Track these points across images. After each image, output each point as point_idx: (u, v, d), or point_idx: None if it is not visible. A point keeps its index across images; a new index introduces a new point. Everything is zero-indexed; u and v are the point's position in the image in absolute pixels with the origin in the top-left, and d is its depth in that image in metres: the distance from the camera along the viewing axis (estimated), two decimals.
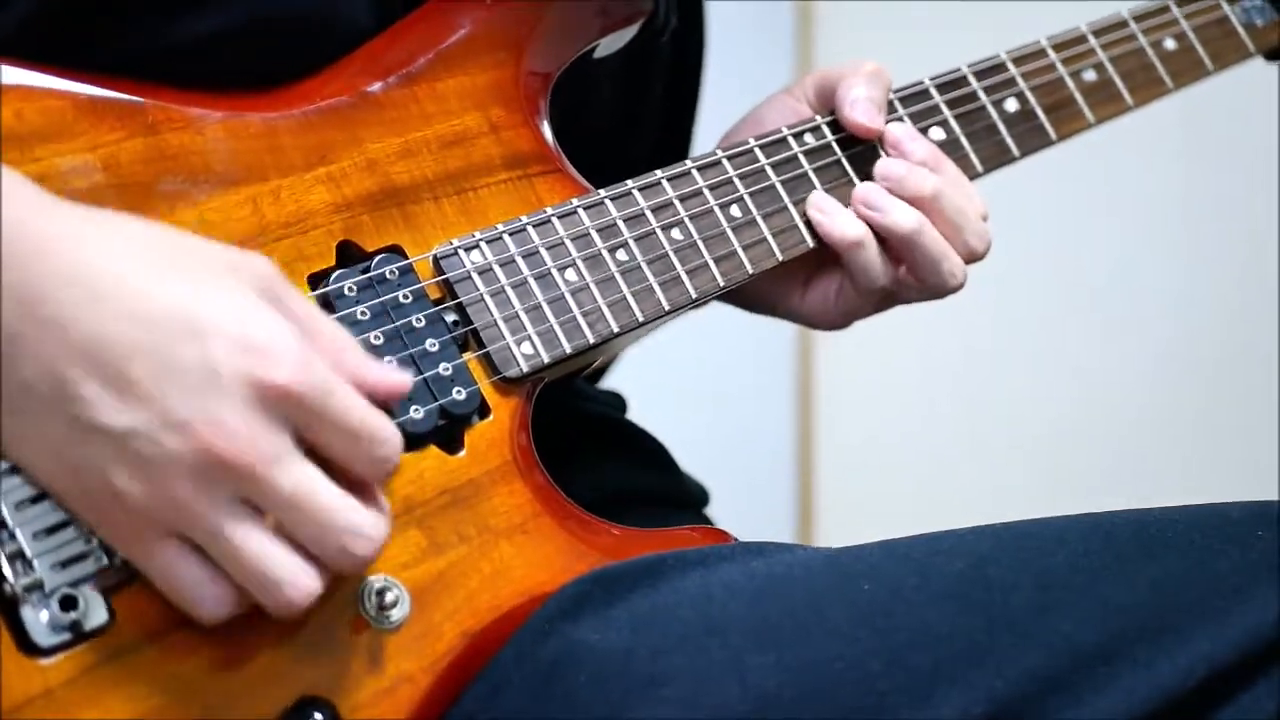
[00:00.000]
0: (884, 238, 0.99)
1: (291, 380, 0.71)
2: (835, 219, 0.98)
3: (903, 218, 0.98)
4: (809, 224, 0.99)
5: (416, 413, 0.83)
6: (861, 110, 1.00)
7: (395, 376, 0.76)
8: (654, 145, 1.12)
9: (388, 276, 0.85)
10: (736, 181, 0.97)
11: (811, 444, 2.29)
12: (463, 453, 0.84)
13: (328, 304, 0.84)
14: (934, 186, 0.99)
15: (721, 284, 0.95)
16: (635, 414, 1.16)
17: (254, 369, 0.71)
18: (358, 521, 0.73)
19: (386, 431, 0.74)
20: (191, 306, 0.71)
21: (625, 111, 1.10)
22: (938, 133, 1.04)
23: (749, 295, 1.07)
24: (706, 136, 1.12)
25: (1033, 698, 0.71)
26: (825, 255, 1.01)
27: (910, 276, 1.00)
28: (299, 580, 0.72)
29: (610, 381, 1.21)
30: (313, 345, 0.73)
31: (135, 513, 0.71)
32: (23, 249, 0.70)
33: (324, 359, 0.73)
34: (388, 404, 0.76)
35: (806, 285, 1.05)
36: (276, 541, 0.72)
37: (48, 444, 0.71)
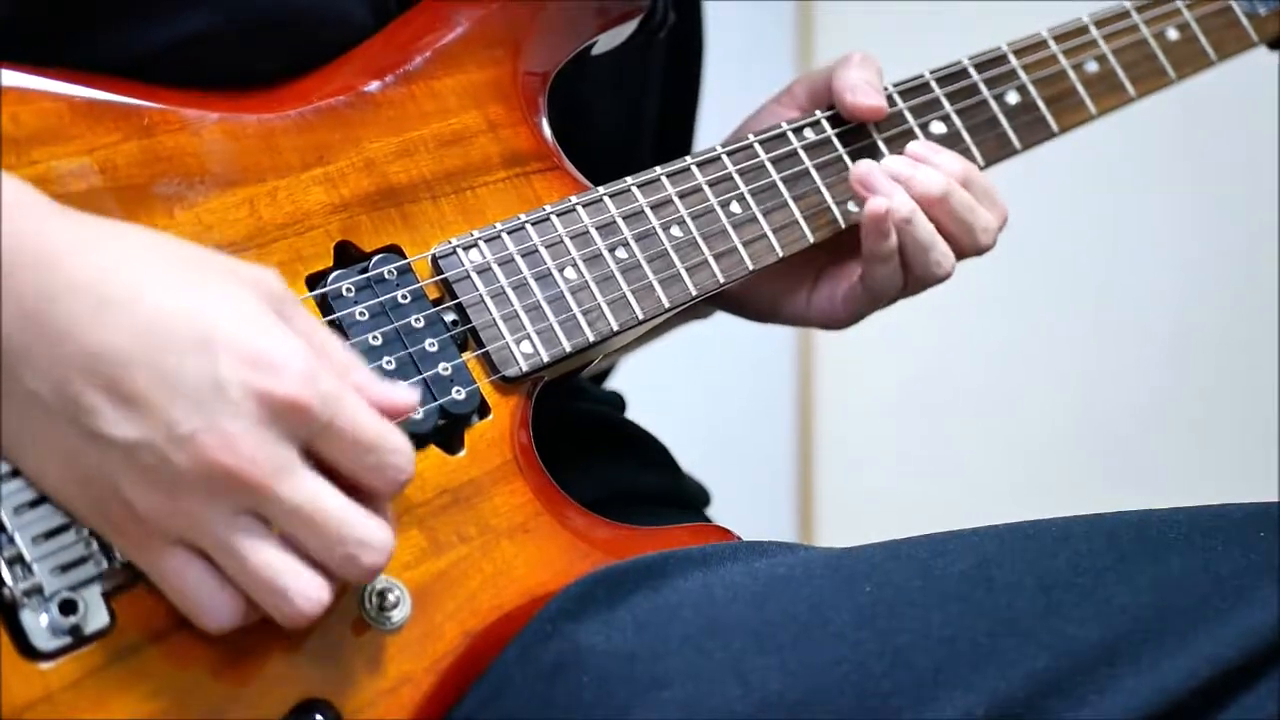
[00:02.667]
0: None
1: (299, 393, 0.71)
2: (887, 229, 0.96)
3: (900, 204, 0.97)
4: (809, 219, 0.98)
5: (416, 413, 0.82)
6: (862, 93, 1.00)
7: (402, 393, 0.76)
8: (655, 144, 1.11)
9: (386, 277, 0.85)
10: (736, 178, 0.97)
11: (811, 444, 2.29)
12: (463, 452, 0.84)
13: (326, 304, 0.84)
14: (943, 186, 0.98)
15: (722, 280, 0.94)
16: (636, 414, 1.16)
17: (261, 382, 0.70)
18: (365, 533, 0.73)
19: (397, 441, 0.74)
20: (198, 319, 0.71)
21: (624, 110, 1.09)
22: (939, 126, 1.04)
23: (753, 302, 1.07)
24: (707, 136, 1.12)
25: (1035, 699, 0.71)
26: (828, 257, 1.01)
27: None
28: (308, 591, 0.72)
29: (611, 381, 1.21)
30: (319, 358, 0.73)
31: (144, 522, 0.71)
32: (29, 259, 0.70)
33: (331, 371, 0.73)
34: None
35: (813, 289, 1.04)
36: (285, 553, 0.72)
37: (56, 453, 0.71)
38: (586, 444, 1.03)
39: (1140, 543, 0.76)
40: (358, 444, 0.73)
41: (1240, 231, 2.12)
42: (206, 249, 0.76)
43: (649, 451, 1.12)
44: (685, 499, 1.12)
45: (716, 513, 1.14)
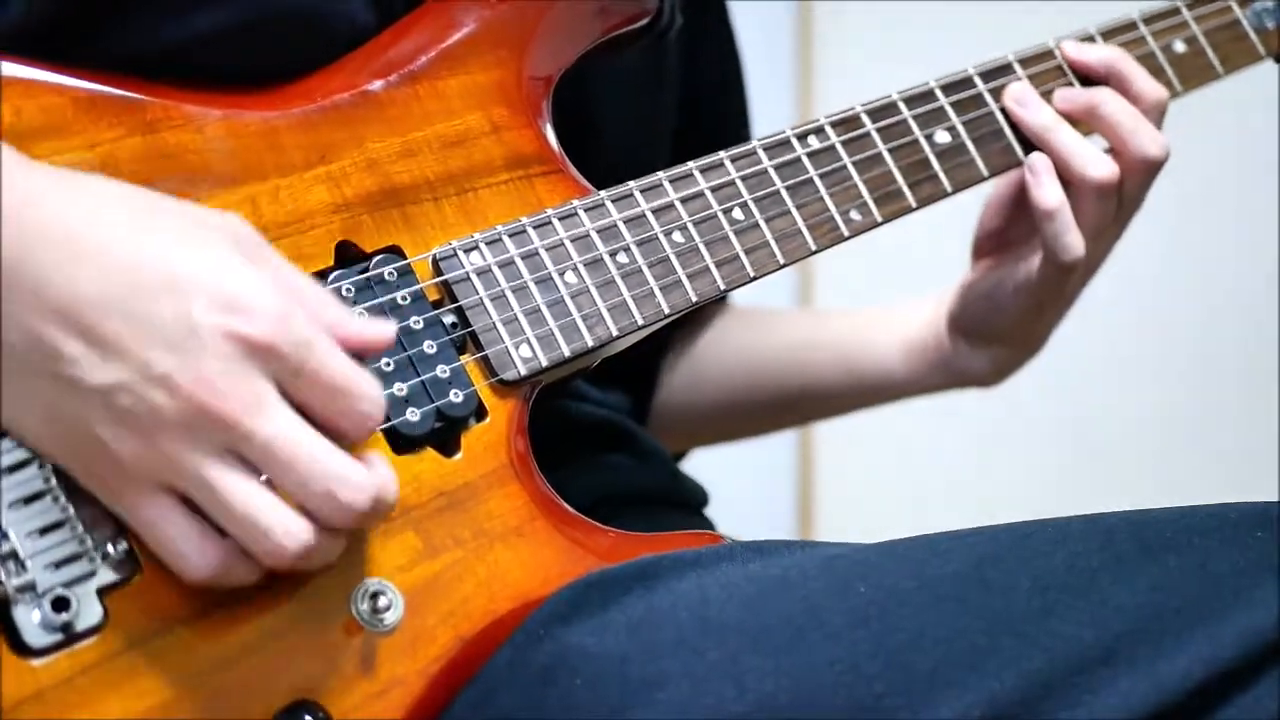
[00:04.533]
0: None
1: (270, 334, 0.72)
2: (1044, 182, 1.02)
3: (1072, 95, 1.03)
4: (811, 228, 0.97)
5: (413, 415, 0.82)
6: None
7: (376, 327, 0.76)
8: (709, 138, 1.10)
9: (386, 278, 0.85)
10: (739, 184, 0.96)
11: (811, 444, 2.28)
12: (459, 455, 0.84)
13: None
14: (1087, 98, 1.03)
15: (723, 287, 0.94)
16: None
17: (233, 324, 0.71)
18: (342, 469, 0.73)
19: (366, 386, 0.75)
20: (170, 263, 0.72)
21: (638, 111, 1.09)
22: (944, 136, 1.03)
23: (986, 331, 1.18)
24: None
25: (1032, 699, 0.70)
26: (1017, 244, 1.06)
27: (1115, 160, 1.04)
28: (290, 526, 0.72)
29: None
30: (292, 300, 0.74)
31: (124, 466, 0.72)
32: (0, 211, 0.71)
33: (303, 313, 0.74)
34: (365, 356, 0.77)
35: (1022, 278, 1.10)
36: (266, 491, 0.72)
37: (35, 404, 0.72)
38: (586, 444, 1.03)
39: (1137, 543, 0.76)
40: (327, 387, 0.73)
41: (1241, 231, 2.11)
42: (174, 198, 0.77)
43: (648, 452, 1.11)
44: (684, 499, 1.12)
45: (716, 513, 1.13)
